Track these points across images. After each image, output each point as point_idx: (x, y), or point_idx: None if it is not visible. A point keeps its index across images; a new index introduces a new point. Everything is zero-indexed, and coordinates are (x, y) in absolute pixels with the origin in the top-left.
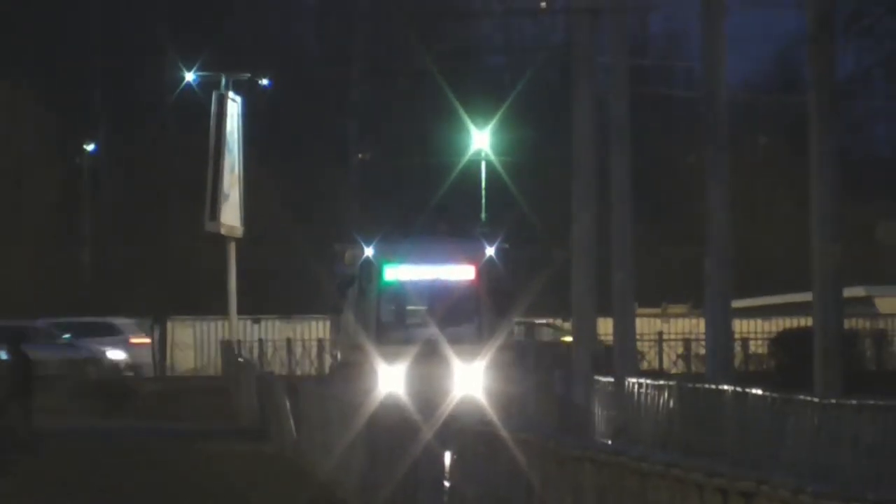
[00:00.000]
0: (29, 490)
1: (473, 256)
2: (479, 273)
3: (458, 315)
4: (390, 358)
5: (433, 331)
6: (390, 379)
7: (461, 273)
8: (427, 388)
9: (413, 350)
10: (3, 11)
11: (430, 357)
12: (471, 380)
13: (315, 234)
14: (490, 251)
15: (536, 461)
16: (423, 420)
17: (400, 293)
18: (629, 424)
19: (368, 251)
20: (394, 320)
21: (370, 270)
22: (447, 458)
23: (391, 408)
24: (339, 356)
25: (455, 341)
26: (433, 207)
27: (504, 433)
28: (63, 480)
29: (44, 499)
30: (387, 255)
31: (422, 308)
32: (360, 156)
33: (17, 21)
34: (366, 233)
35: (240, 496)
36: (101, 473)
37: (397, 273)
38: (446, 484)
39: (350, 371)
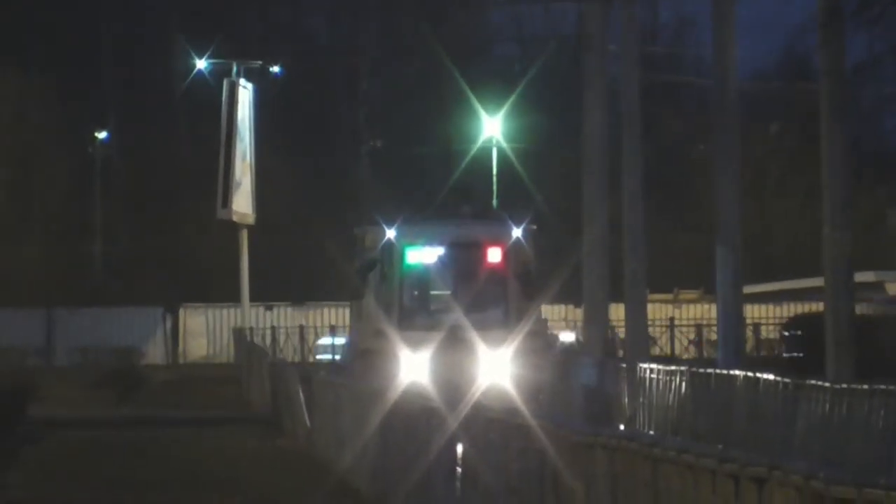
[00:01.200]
0: (41, 479)
1: (500, 238)
2: (506, 255)
3: (484, 300)
4: (413, 344)
5: (458, 316)
6: (413, 366)
7: (487, 256)
8: (452, 376)
9: (437, 336)
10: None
11: (454, 343)
12: (498, 367)
13: (327, 221)
14: (517, 232)
15: (550, 447)
16: (448, 409)
17: (423, 277)
18: (639, 409)
19: (390, 234)
20: (417, 305)
21: (392, 254)
22: (459, 447)
23: (407, 395)
24: (359, 342)
25: (481, 327)
26: (455, 189)
27: (520, 420)
28: (75, 470)
29: (56, 487)
30: (409, 237)
31: (446, 292)
32: (371, 143)
33: (28, 10)
34: (387, 215)
35: (256, 479)
36: (114, 463)
37: (420, 256)
38: (458, 470)
39: (372, 358)
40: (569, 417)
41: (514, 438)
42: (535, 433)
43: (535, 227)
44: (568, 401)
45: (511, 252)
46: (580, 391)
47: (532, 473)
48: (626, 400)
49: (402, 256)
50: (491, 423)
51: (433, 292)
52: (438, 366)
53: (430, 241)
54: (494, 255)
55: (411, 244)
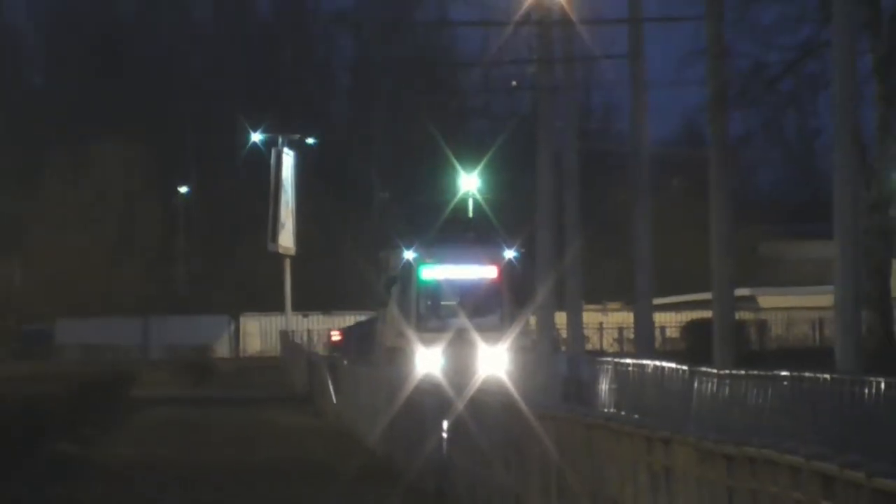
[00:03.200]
0: (141, 440)
1: (496, 258)
2: (500, 272)
3: (483, 307)
4: (427, 343)
5: (463, 321)
6: (427, 360)
7: (486, 272)
8: (458, 368)
9: (447, 336)
10: (123, 86)
11: (460, 342)
12: (494, 360)
13: (348, 250)
14: (510, 254)
15: (516, 419)
16: (455, 393)
17: (435, 290)
18: (580, 389)
19: (408, 255)
20: (430, 312)
21: (410, 271)
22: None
23: (409, 380)
24: (384, 342)
25: (481, 329)
26: (461, 220)
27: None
28: (165, 434)
29: (152, 446)
30: (424, 258)
31: (453, 302)
32: (381, 194)
33: (129, 92)
34: (406, 240)
35: (297, 440)
36: (193, 429)
37: (433, 273)
38: (444, 436)
39: (395, 354)
40: (546, 398)
41: (488, 412)
42: (511, 408)
43: (524, 249)
44: (548, 386)
45: (505, 269)
46: (559, 378)
47: (507, 437)
48: (602, 386)
49: (418, 273)
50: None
51: (443, 302)
52: (447, 359)
53: (441, 261)
54: (492, 272)
55: (425, 263)
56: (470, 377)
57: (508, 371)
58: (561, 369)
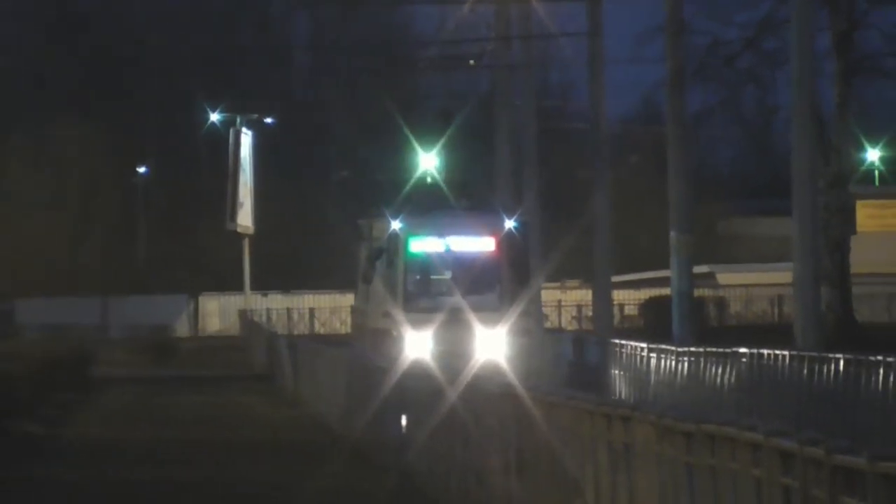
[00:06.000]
0: (103, 420)
1: (494, 229)
2: (499, 244)
3: (479, 284)
4: (417, 325)
5: (457, 299)
6: (416, 344)
7: (482, 244)
8: (451, 353)
9: (438, 317)
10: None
11: (454, 324)
12: (492, 345)
13: (307, 231)
14: (510, 223)
15: (472, 398)
16: (448, 382)
17: (425, 264)
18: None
19: (395, 225)
20: (420, 290)
21: (397, 243)
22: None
23: (363, 358)
24: (367, 323)
25: (477, 309)
26: (454, 185)
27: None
28: (127, 413)
29: (114, 426)
30: (412, 228)
31: (446, 278)
32: (339, 173)
33: (88, 73)
34: (392, 208)
35: (259, 419)
36: (154, 408)
37: (422, 245)
38: (404, 414)
39: (380, 337)
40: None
41: (440, 391)
42: (472, 386)
43: (525, 219)
44: (549, 371)
45: (504, 241)
46: (562, 362)
47: (467, 414)
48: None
49: (406, 245)
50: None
51: (434, 278)
52: (439, 343)
53: (431, 232)
54: (489, 244)
55: (414, 234)
56: (465, 363)
57: (508, 356)
58: (565, 352)
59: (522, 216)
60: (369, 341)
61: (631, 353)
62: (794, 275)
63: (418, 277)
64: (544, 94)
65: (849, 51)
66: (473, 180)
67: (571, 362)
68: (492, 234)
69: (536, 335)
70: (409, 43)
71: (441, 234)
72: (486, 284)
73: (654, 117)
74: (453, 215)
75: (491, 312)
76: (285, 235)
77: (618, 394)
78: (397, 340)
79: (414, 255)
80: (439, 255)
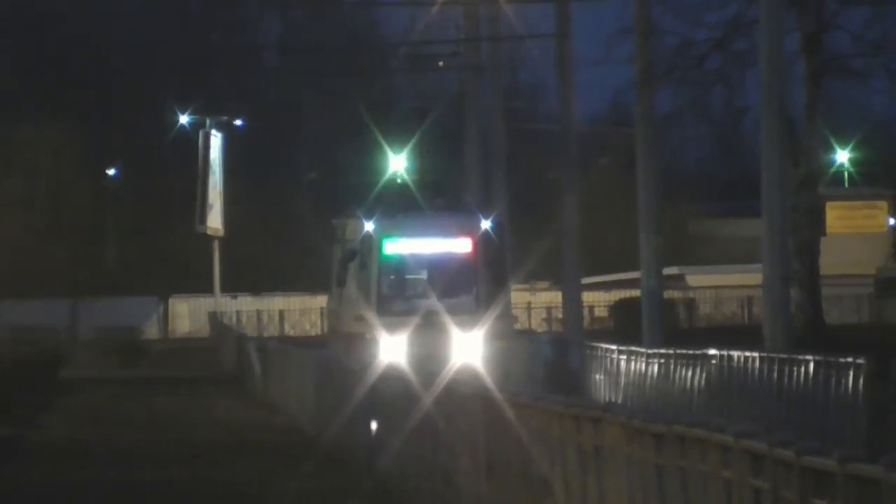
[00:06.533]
0: (71, 422)
1: (470, 229)
2: (475, 245)
3: (456, 286)
4: (391, 328)
5: (432, 302)
6: (391, 348)
7: (458, 246)
8: (426, 357)
9: (413, 321)
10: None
11: (429, 327)
12: (469, 349)
13: (277, 233)
14: (486, 224)
15: (442, 401)
16: (424, 386)
17: (399, 266)
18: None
19: (368, 226)
20: (394, 292)
21: (370, 244)
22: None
23: (334, 360)
24: (340, 327)
25: (453, 312)
26: (428, 184)
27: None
28: (95, 414)
29: (82, 427)
30: (386, 229)
31: (421, 280)
32: (309, 175)
33: (58, 75)
34: (365, 209)
35: (229, 421)
36: (123, 409)
37: (397, 247)
38: (373, 415)
39: (353, 341)
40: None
41: (412, 392)
42: (441, 387)
43: (501, 219)
44: (526, 373)
45: (480, 242)
46: (539, 364)
47: (437, 416)
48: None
49: (379, 247)
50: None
51: (409, 279)
52: (414, 347)
53: (406, 233)
54: (465, 244)
55: (388, 235)
56: (441, 366)
57: (485, 359)
58: (543, 353)
59: (498, 216)
60: (343, 345)
61: (603, 356)
62: (763, 276)
63: (392, 280)
64: (514, 95)
65: (817, 52)
66: (446, 181)
67: (548, 364)
68: (468, 234)
69: (512, 338)
70: (379, 44)
71: (415, 235)
72: (462, 286)
73: (624, 119)
74: (428, 216)
75: (467, 315)
76: (255, 238)
77: (602, 397)
78: (371, 344)
79: (388, 257)
80: (414, 257)
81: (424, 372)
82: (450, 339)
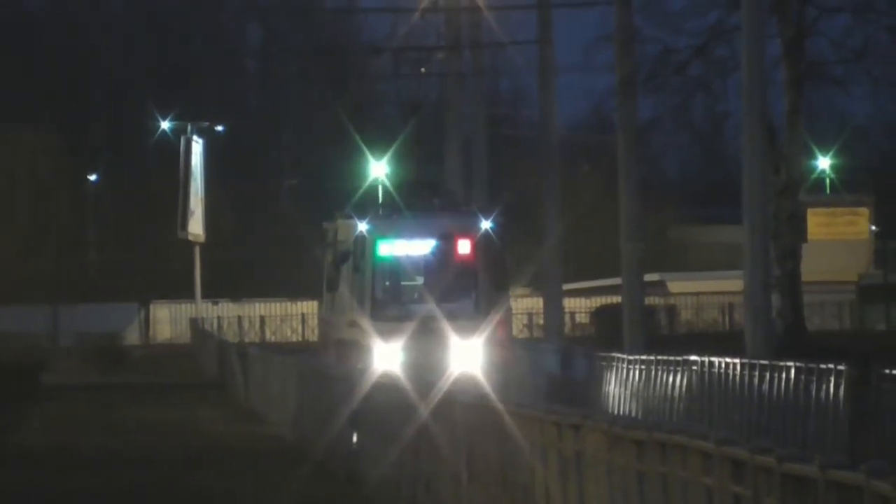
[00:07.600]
0: (53, 427)
1: (469, 230)
2: (475, 247)
3: (454, 291)
4: (386, 335)
5: (429, 307)
6: (386, 356)
7: (457, 248)
8: (424, 366)
9: (409, 327)
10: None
11: (426, 334)
12: (468, 356)
13: (259, 239)
14: (486, 225)
15: (427, 404)
16: (420, 397)
17: (395, 269)
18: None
19: (362, 227)
20: (389, 297)
21: (364, 246)
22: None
23: (315, 365)
24: (333, 333)
25: (452, 317)
26: (425, 183)
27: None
28: (77, 420)
29: (64, 433)
30: (381, 230)
31: (417, 284)
32: (290, 181)
33: (39, 81)
34: (359, 209)
35: (209, 427)
36: (104, 415)
37: (392, 248)
38: (354, 421)
39: (346, 348)
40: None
41: (409, 397)
42: (422, 393)
43: (502, 219)
44: (529, 384)
45: (480, 244)
46: (542, 375)
47: (417, 422)
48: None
49: (373, 249)
50: (395, 387)
51: (404, 283)
52: (410, 355)
53: (401, 234)
54: (464, 246)
55: (383, 237)
56: (438, 375)
57: (485, 368)
58: (548, 365)
59: (499, 217)
60: (335, 353)
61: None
62: (744, 283)
63: (387, 283)
64: (495, 101)
65: (799, 59)
66: (442, 180)
67: (553, 374)
68: (467, 235)
69: (513, 346)
70: (360, 51)
71: (412, 236)
72: (461, 291)
73: (605, 125)
74: (425, 216)
75: (467, 321)
76: (236, 244)
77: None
78: (365, 352)
79: (382, 259)
80: (410, 259)
81: (419, 380)
82: (448, 347)
